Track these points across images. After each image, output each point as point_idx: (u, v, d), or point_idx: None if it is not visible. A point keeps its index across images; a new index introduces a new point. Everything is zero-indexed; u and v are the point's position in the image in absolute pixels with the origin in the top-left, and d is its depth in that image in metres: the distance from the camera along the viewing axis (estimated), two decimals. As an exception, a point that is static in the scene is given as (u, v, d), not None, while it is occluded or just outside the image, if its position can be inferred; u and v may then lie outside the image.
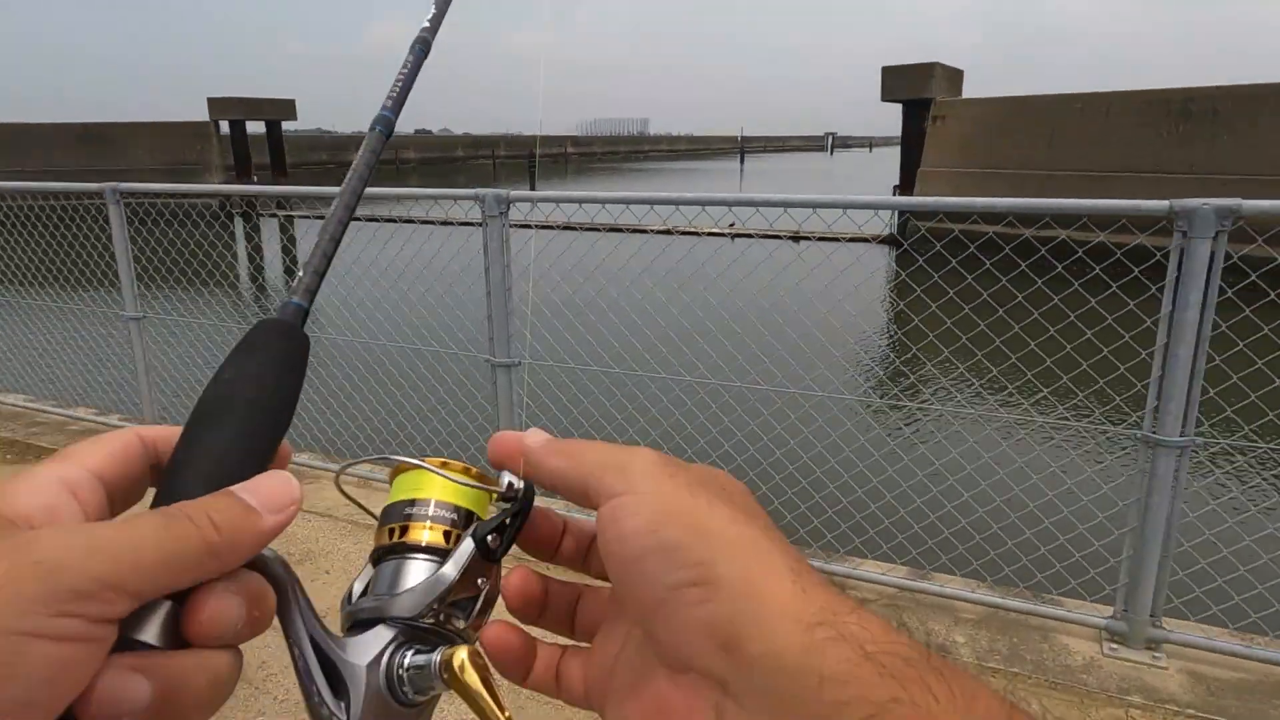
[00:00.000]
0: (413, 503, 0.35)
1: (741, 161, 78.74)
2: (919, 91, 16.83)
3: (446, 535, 0.34)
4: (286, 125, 30.83)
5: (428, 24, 0.43)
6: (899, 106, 17.33)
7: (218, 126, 25.88)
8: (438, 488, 0.35)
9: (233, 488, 0.30)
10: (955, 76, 17.39)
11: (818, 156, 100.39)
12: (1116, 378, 2.33)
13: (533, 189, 38.52)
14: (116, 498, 0.32)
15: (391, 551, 0.34)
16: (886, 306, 12.62)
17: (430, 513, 0.35)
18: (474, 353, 2.95)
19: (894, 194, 18.36)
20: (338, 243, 0.37)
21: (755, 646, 0.26)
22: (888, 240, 18.16)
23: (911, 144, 17.10)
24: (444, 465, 0.35)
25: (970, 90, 17.66)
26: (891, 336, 10.11)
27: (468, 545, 0.34)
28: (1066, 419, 3.88)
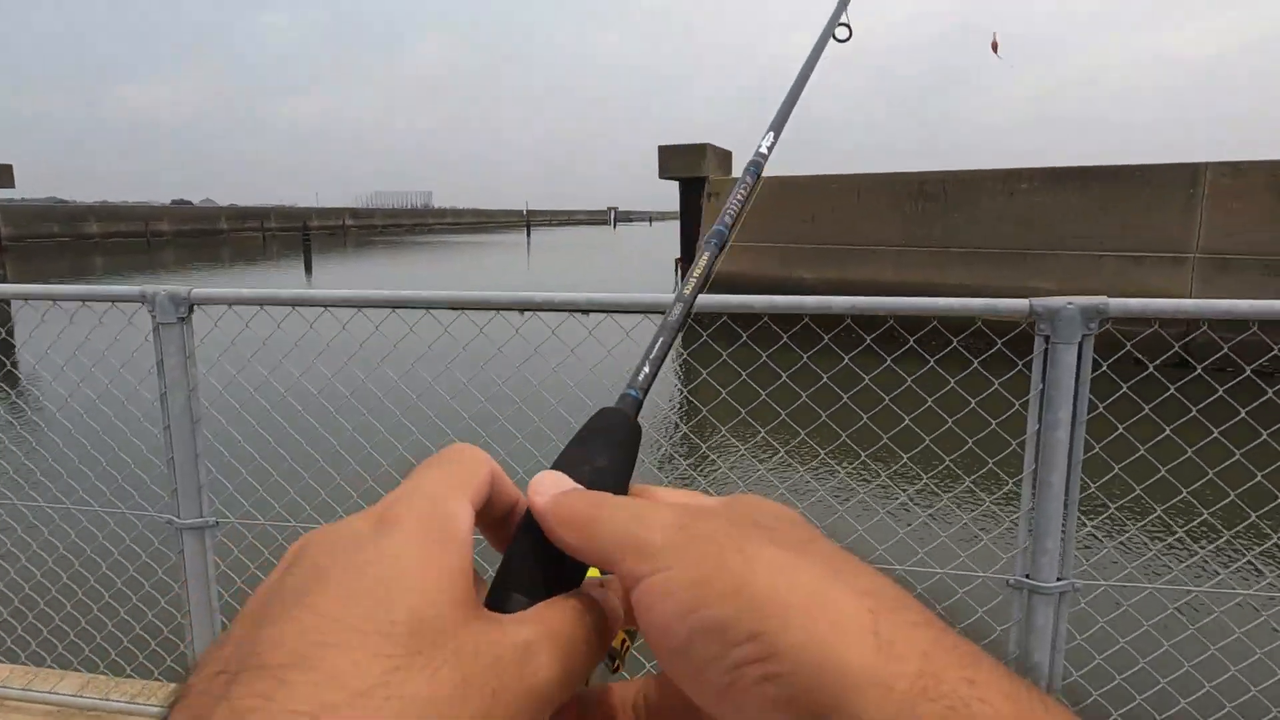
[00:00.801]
0: None
1: (528, 234, 79.50)
2: (693, 170, 17.64)
3: None
4: (2, 193, 26.68)
5: (765, 151, 0.48)
6: (676, 183, 18.06)
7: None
8: None
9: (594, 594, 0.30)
10: (725, 157, 18.47)
11: (603, 230, 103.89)
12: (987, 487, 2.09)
13: (308, 265, 35.96)
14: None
15: None
16: (678, 384, 12.84)
17: None
18: (150, 511, 2.12)
19: (676, 266, 19.01)
20: (671, 344, 0.38)
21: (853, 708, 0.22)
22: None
23: (690, 218, 17.80)
24: None
25: (740, 171, 18.81)
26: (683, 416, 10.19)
27: None
28: (929, 565, 3.74)
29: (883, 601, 0.24)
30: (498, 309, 1.98)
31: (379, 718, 0.22)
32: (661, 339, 0.38)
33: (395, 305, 1.92)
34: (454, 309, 1.99)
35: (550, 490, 0.30)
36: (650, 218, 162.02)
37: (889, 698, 0.22)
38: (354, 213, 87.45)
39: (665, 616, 0.26)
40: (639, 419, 0.35)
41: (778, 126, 0.52)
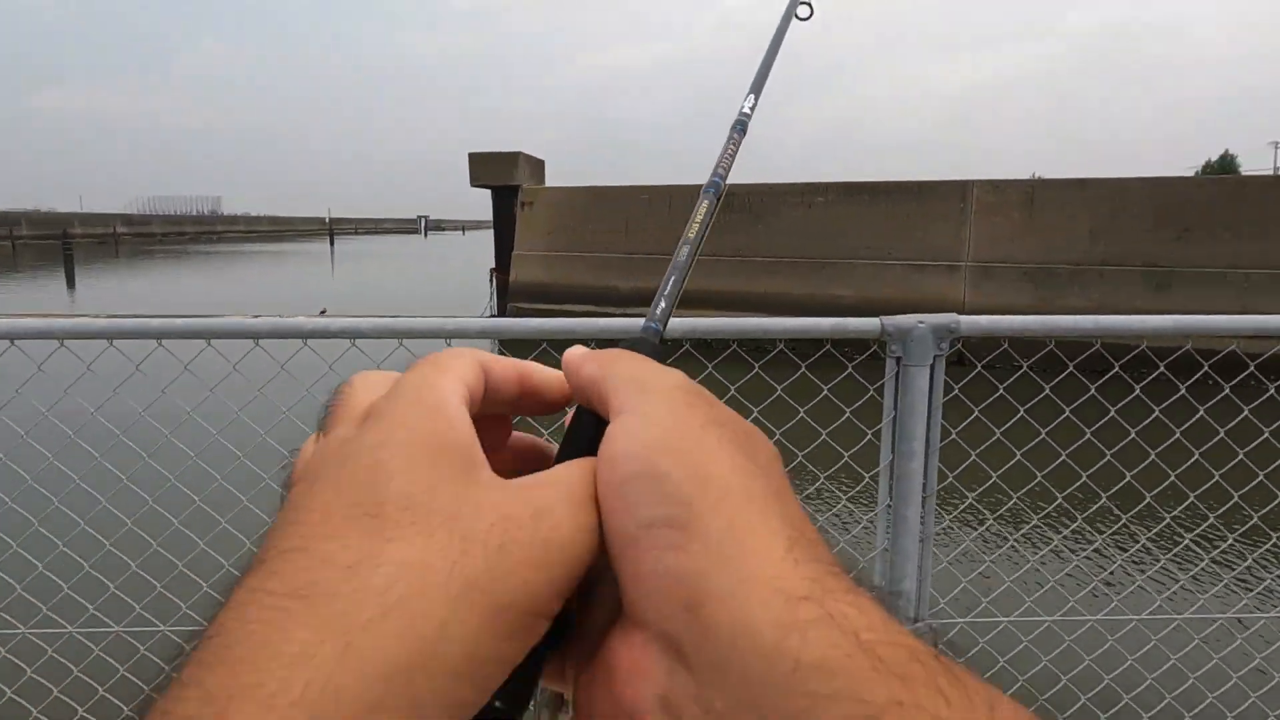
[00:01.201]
0: None
1: (331, 243, 75.06)
2: (505, 178, 17.29)
3: None
4: None
5: (748, 110, 0.54)
6: (489, 192, 17.62)
7: None
8: None
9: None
10: (538, 166, 18.26)
11: (413, 239, 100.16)
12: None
13: (69, 279, 31.71)
14: None
15: None
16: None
17: None
18: None
19: (491, 276, 18.54)
20: (682, 283, 0.43)
21: (723, 613, 0.23)
22: (490, 334, 18.14)
23: (504, 228, 17.42)
24: None
25: (553, 180, 18.68)
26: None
27: None
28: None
29: (806, 536, 0.25)
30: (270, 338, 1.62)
31: (368, 586, 0.22)
32: (674, 277, 0.43)
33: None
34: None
35: (584, 350, 0.33)
36: (464, 227, 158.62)
37: (777, 599, 0.23)
38: (127, 219, 78.55)
39: (619, 451, 0.27)
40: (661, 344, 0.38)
41: (757, 88, 0.56)
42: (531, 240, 16.94)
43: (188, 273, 39.35)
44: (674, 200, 15.76)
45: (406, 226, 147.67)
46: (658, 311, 0.41)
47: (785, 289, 14.59)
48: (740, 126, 0.53)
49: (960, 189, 13.56)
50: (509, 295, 17.10)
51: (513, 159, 17.03)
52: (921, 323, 1.19)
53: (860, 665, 0.21)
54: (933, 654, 0.22)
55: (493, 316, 17.74)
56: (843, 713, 0.20)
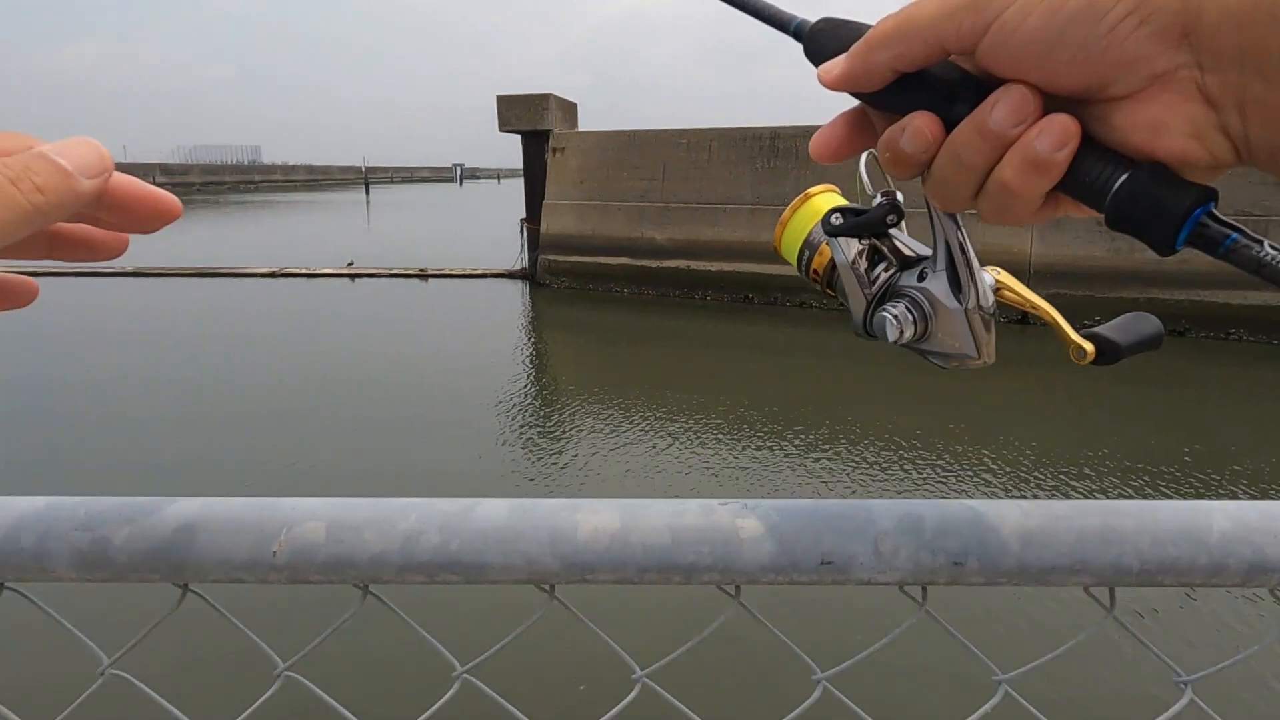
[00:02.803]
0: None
1: (367, 192, 74.64)
2: (536, 123, 16.39)
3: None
4: None
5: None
6: (519, 138, 16.75)
7: None
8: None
9: (46, 149, 0.32)
10: (570, 109, 17.30)
11: (448, 188, 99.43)
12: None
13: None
14: None
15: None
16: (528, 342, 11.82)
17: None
18: None
19: (521, 227, 17.76)
20: None
21: (1209, 14, 0.29)
22: (520, 275, 17.08)
23: (535, 176, 16.59)
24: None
25: (585, 125, 17.71)
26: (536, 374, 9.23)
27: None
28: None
29: None
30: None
31: None
32: None
33: None
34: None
35: (838, 59, 0.38)
36: (499, 175, 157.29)
37: None
38: (165, 168, 78.92)
39: (1031, 31, 0.32)
40: None
41: None
42: (563, 189, 16.11)
43: (226, 222, 39.18)
44: (714, 145, 14.75)
45: (442, 175, 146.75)
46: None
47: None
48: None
49: (1028, 130, 12.40)
50: (539, 247, 16.35)
51: (543, 101, 16.11)
52: None
53: None
54: None
55: (522, 269, 17.03)
56: None
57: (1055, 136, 0.34)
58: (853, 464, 6.37)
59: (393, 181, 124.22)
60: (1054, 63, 0.32)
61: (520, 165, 17.25)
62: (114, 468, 6.15)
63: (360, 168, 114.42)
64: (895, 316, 0.47)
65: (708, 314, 13.85)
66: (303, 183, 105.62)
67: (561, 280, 16.13)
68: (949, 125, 0.37)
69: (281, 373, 9.49)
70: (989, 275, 0.49)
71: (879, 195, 0.50)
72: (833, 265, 0.52)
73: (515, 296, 15.83)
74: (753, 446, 6.85)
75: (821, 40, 0.41)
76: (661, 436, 7.08)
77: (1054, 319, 0.47)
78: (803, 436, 7.01)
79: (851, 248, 0.52)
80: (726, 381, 9.35)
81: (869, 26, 0.38)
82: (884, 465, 6.36)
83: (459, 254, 20.23)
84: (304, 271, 17.36)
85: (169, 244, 26.54)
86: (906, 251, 0.52)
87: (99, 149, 0.33)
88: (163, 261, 17.99)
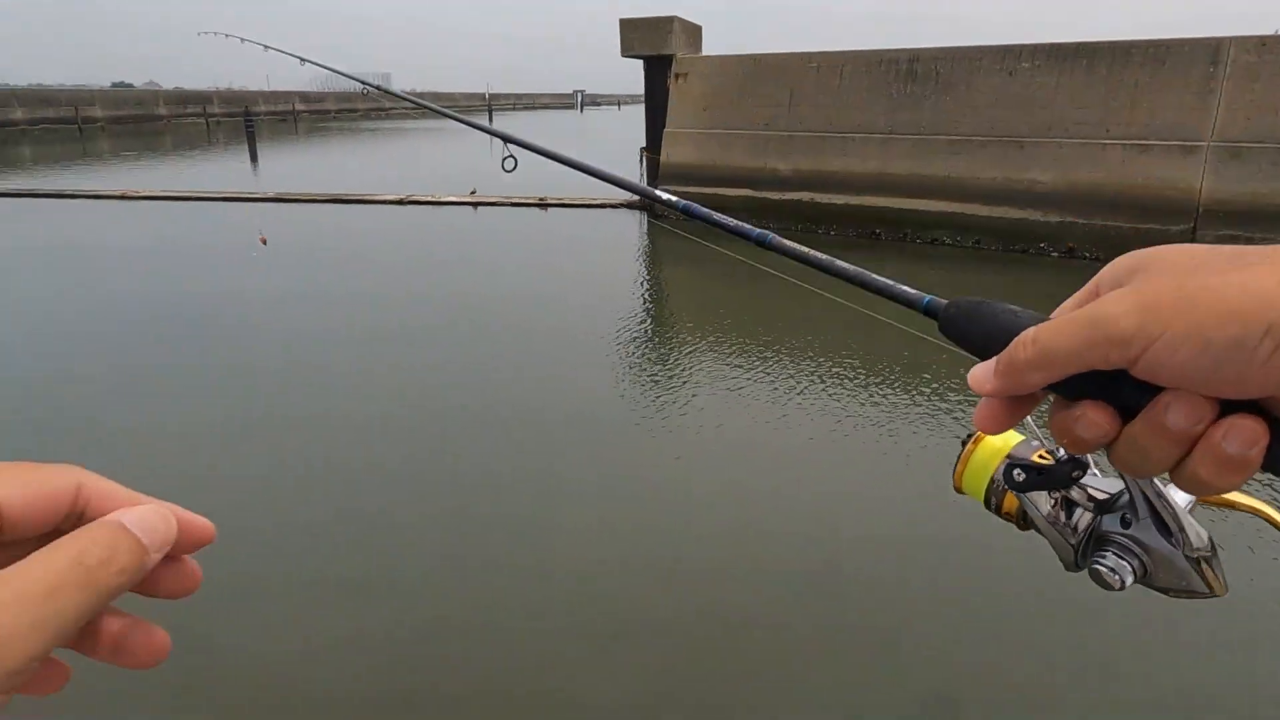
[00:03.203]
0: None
1: (490, 119, 75.60)
2: (659, 47, 15.92)
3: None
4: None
5: None
6: (641, 63, 16.34)
7: None
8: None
9: (128, 521, 0.32)
10: (695, 32, 16.69)
11: (568, 114, 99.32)
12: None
13: (253, 154, 33.41)
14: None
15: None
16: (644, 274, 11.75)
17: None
18: None
19: (641, 156, 17.49)
20: None
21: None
22: (639, 205, 16.91)
23: (656, 103, 16.21)
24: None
25: (710, 49, 17.07)
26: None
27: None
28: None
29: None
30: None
31: None
32: None
33: None
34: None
35: (986, 372, 0.38)
36: (619, 101, 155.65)
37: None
38: (304, 96, 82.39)
39: (1182, 366, 0.32)
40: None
41: None
42: (684, 116, 15.66)
43: (357, 148, 40.64)
44: (846, 70, 13.92)
45: (563, 101, 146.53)
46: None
47: (969, 173, 12.71)
48: None
49: (1210, 49, 11.00)
50: (658, 178, 16.07)
51: (666, 24, 15.59)
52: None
53: None
54: None
55: (640, 201, 16.82)
56: None
57: (1243, 438, 0.33)
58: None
59: (515, 108, 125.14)
60: (1216, 387, 0.32)
61: (642, 92, 16.87)
62: (290, 374, 6.54)
63: (484, 94, 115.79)
64: (1111, 569, 0.47)
65: (831, 249, 13.21)
66: (430, 109, 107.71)
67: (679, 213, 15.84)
68: (1122, 412, 0.36)
69: (401, 298, 9.81)
70: (1184, 496, 0.47)
71: (1060, 449, 0.51)
72: (1024, 512, 0.53)
73: (633, 228, 15.70)
74: (879, 390, 6.55)
75: (959, 324, 0.42)
76: (783, 381, 6.88)
77: (1269, 516, 0.47)
78: (934, 388, 6.65)
79: (1043, 501, 0.52)
80: (847, 322, 8.97)
81: (1001, 307, 0.41)
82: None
83: (580, 183, 20.24)
84: (429, 199, 17.80)
85: (311, 170, 27.83)
86: (1100, 495, 0.50)
87: (170, 522, 0.34)
88: (303, 189, 18.86)
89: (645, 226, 15.72)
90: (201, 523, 0.36)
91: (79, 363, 7.20)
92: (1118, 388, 0.35)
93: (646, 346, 8.25)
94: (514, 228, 15.73)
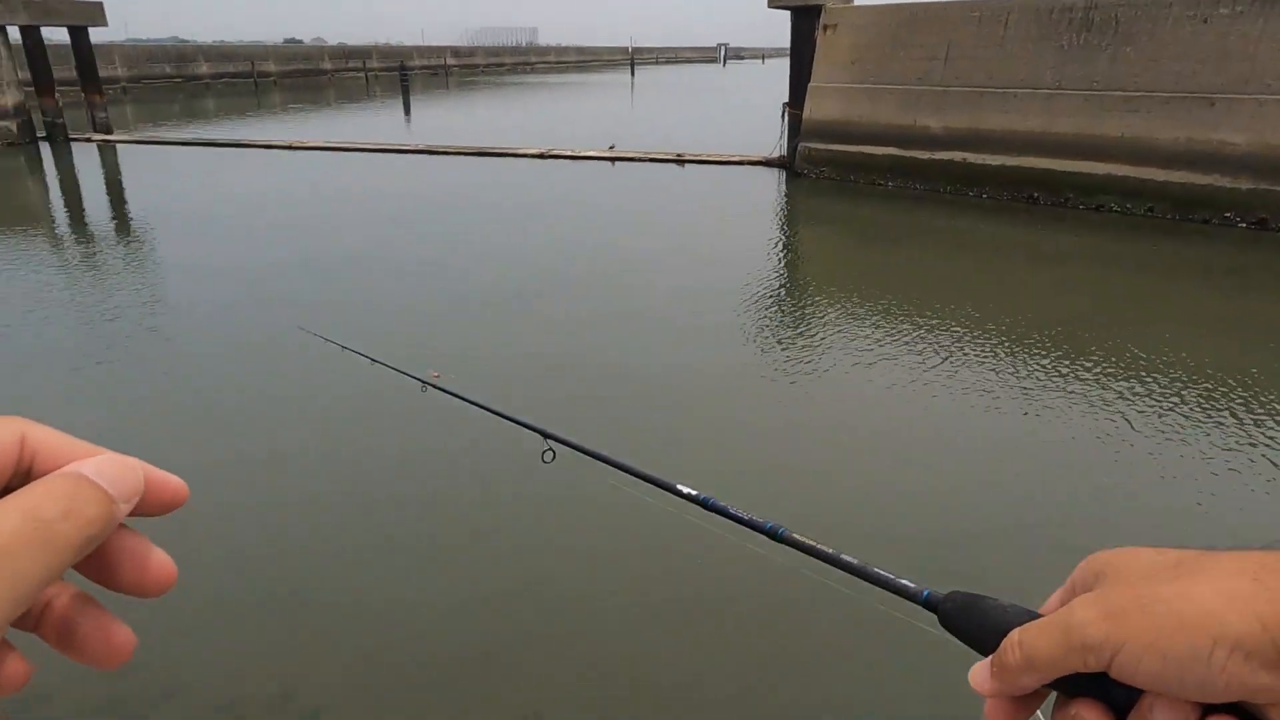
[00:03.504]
0: None
1: (632, 74, 75.45)
2: (808, -3, 15.28)
3: None
4: (101, 32, 26.37)
5: None
6: (788, 14, 15.77)
7: (4, 33, 21.74)
8: None
9: (88, 471, 0.30)
10: (847, -20, 15.91)
11: (710, 68, 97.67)
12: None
13: (406, 106, 34.92)
14: None
15: None
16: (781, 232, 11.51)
17: None
18: None
19: (783, 112, 16.98)
20: None
21: None
22: (778, 163, 16.50)
23: (801, 57, 15.63)
24: None
25: (862, -2, 16.24)
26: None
27: None
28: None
29: (1264, 564, 0.33)
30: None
31: None
32: None
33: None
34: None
35: (985, 674, 0.40)
36: (763, 55, 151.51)
37: None
38: (455, 51, 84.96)
39: (1149, 675, 0.34)
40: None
41: None
42: (831, 70, 15.05)
43: (502, 101, 41.70)
44: (1011, 19, 12.91)
45: (705, 55, 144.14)
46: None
47: (1150, 134, 11.57)
48: None
49: None
50: (800, 134, 15.58)
51: (817, -28, 14.90)
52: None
53: None
54: None
55: (780, 157, 16.40)
56: None
57: None
58: (1151, 402, 5.53)
59: (657, 62, 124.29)
60: (1188, 693, 0.33)
61: (786, 44, 16.28)
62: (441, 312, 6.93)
63: (627, 49, 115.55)
64: None
65: (982, 214, 12.53)
66: (574, 63, 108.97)
67: (821, 170, 15.33)
68: (1115, 709, 0.37)
69: (543, 250, 10.04)
70: None
71: None
72: None
73: (771, 186, 15.35)
74: (1032, 372, 6.17)
75: (955, 620, 0.44)
76: (924, 350, 6.60)
77: None
78: (1092, 363, 6.20)
79: None
80: (1002, 292, 8.47)
81: (992, 604, 0.43)
82: (1190, 406, 5.46)
83: (715, 139, 19.96)
84: (569, 154, 18.06)
85: (458, 125, 28.90)
86: None
87: (137, 472, 0.31)
88: (450, 141, 19.56)
89: (784, 184, 15.34)
90: (175, 482, 0.33)
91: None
92: (1105, 688, 0.37)
93: (781, 311, 8.10)
94: (652, 182, 15.72)
